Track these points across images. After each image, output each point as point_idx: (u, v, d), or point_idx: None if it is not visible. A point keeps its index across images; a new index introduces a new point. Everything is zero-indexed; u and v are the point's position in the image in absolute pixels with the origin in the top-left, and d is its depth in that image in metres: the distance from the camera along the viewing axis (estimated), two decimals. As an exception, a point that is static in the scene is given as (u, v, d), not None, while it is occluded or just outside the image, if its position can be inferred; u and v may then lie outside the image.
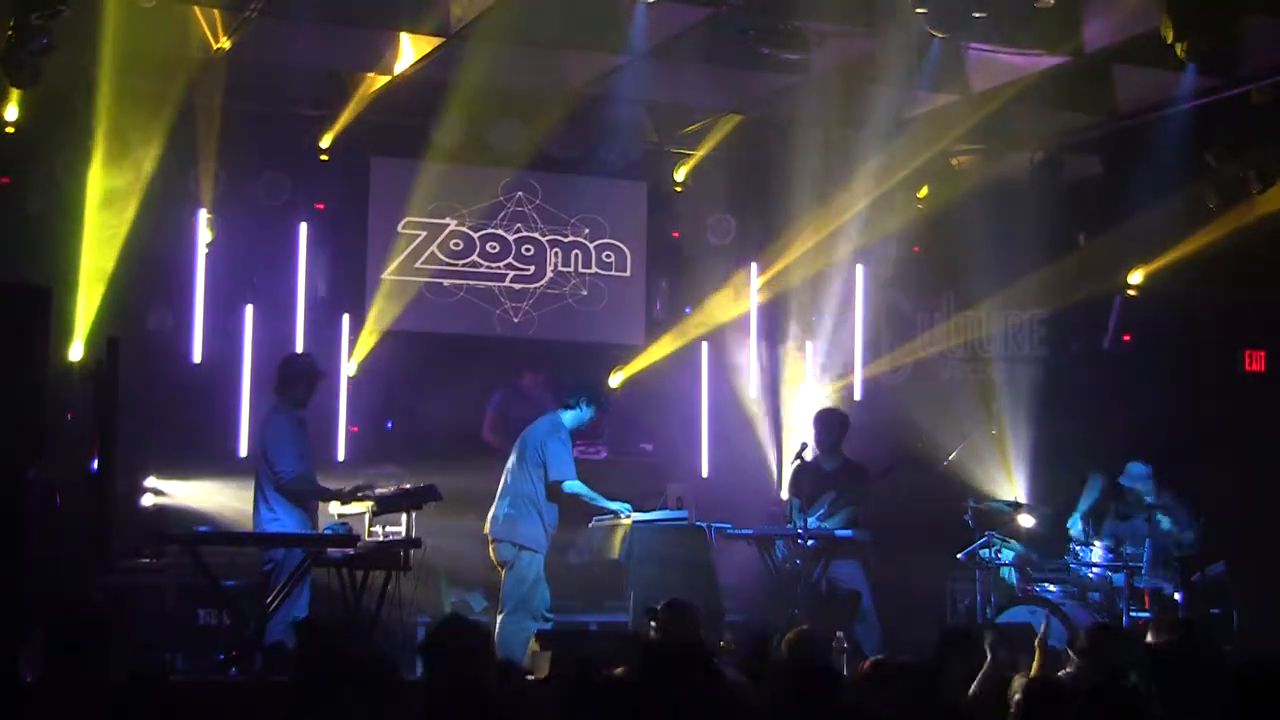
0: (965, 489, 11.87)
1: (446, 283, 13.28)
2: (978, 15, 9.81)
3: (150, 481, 11.46)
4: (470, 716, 5.30)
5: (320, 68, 11.73)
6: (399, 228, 13.08)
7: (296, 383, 9.85)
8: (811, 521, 10.49)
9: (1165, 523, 11.16)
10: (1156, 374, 12.67)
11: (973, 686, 6.55)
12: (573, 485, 10.19)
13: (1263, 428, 11.91)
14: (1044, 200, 13.05)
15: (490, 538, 10.30)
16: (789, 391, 13.79)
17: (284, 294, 12.61)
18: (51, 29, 9.78)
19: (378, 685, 5.20)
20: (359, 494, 9.72)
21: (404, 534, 9.60)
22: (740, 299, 13.77)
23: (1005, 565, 11.26)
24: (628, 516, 10.36)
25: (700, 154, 13.44)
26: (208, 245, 12.21)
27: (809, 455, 11.09)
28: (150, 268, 11.88)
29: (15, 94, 10.93)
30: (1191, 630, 7.78)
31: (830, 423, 11.20)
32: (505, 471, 10.40)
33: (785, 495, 11.47)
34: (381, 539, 9.64)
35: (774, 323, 13.93)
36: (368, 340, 12.77)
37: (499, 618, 10.08)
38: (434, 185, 12.93)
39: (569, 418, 10.39)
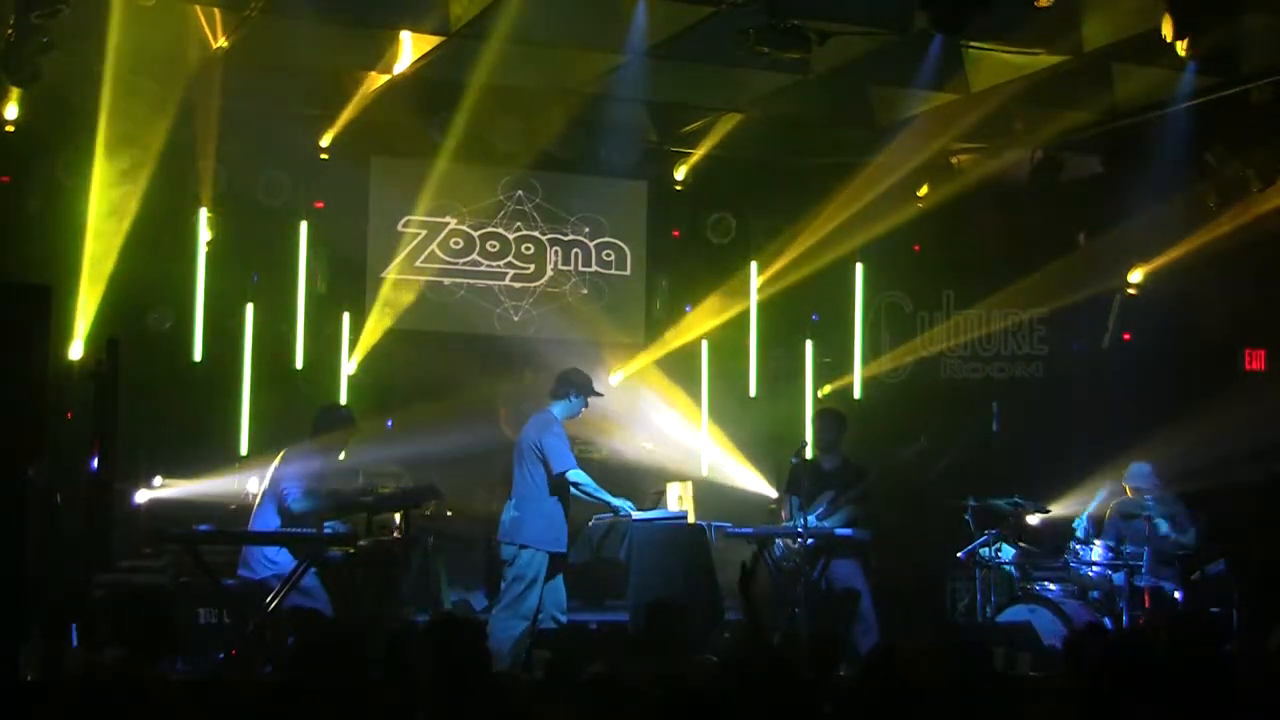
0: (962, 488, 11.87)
1: (447, 281, 13.29)
2: (978, 15, 9.80)
3: (152, 481, 11.46)
4: (464, 712, 5.32)
5: (320, 67, 11.73)
6: (399, 227, 13.09)
7: (333, 431, 9.73)
8: (810, 520, 10.49)
9: (1163, 526, 11.15)
10: (1156, 374, 12.67)
11: None
12: (575, 474, 10.14)
13: (1263, 428, 11.91)
14: (1044, 200, 13.05)
15: (498, 541, 10.31)
16: (788, 391, 13.79)
17: (284, 293, 12.61)
18: (51, 28, 9.78)
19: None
20: (359, 501, 9.73)
21: (403, 534, 9.60)
22: (740, 298, 13.76)
23: (1005, 564, 11.27)
24: (626, 515, 10.35)
25: (700, 153, 13.43)
26: (208, 244, 12.21)
27: (808, 454, 11.09)
28: (150, 267, 11.88)
29: (15, 93, 10.94)
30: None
31: (830, 422, 11.20)
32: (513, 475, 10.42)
33: (782, 494, 11.43)
34: (382, 538, 9.63)
35: (774, 322, 13.93)
36: (368, 339, 12.78)
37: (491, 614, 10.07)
38: (434, 184, 12.94)
39: (560, 410, 10.37)
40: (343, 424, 9.89)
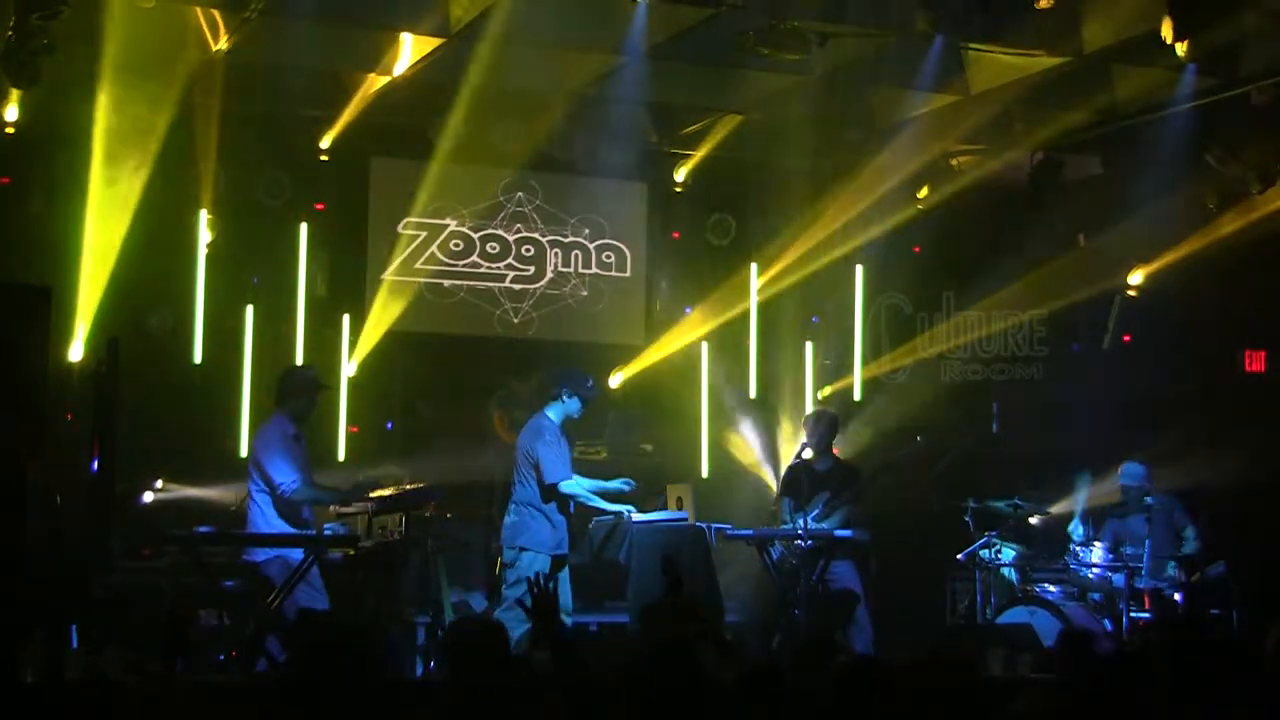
0: (962, 489, 11.88)
1: (446, 283, 13.28)
2: (978, 15, 9.82)
3: (153, 483, 11.46)
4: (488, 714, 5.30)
5: (320, 68, 11.72)
6: (399, 228, 13.07)
7: (296, 396, 9.76)
8: (808, 522, 10.48)
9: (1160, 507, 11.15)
10: (1156, 375, 12.67)
11: None
12: (569, 486, 10.14)
13: (1263, 428, 11.92)
14: (1044, 200, 13.05)
15: (500, 545, 10.31)
16: (788, 392, 13.79)
17: (284, 294, 12.60)
18: (51, 29, 9.77)
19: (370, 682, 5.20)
20: (360, 495, 9.73)
21: (403, 534, 9.60)
22: (740, 300, 13.76)
23: (1005, 565, 11.27)
24: (627, 517, 10.34)
25: (700, 154, 13.43)
26: (208, 245, 12.21)
27: (807, 455, 11.10)
28: (150, 268, 11.87)
29: (15, 94, 10.93)
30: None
31: (820, 424, 11.19)
32: None
33: (778, 496, 11.43)
34: (381, 539, 9.63)
35: (774, 324, 13.92)
36: (368, 340, 12.76)
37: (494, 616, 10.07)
38: (434, 185, 12.92)
39: (555, 413, 10.33)
40: (305, 386, 9.86)
